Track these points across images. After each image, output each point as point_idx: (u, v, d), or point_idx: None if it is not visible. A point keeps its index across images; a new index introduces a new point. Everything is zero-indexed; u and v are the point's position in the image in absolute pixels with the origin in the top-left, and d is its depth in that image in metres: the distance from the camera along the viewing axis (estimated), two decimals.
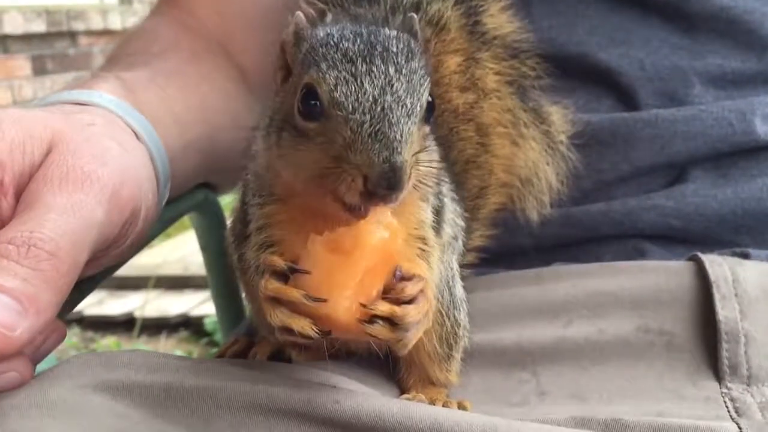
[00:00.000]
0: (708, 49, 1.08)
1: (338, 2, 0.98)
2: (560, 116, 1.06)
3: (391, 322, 0.68)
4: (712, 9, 1.07)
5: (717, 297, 0.92)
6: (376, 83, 0.67)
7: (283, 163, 0.73)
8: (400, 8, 0.96)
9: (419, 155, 0.69)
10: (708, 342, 0.91)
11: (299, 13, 0.77)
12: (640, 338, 0.92)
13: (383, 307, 0.68)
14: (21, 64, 5.18)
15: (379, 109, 0.66)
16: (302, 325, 0.67)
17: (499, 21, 1.04)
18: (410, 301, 0.69)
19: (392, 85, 0.68)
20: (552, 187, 1.06)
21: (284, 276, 0.70)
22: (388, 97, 0.67)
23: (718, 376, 0.89)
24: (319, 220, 0.70)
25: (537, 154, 1.05)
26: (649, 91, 1.07)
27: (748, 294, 0.92)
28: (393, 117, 0.66)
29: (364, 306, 0.67)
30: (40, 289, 0.65)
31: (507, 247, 1.08)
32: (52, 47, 5.42)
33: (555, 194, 1.06)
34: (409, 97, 0.68)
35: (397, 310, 0.68)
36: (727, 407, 0.85)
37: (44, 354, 0.73)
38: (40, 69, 5.31)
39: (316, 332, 0.67)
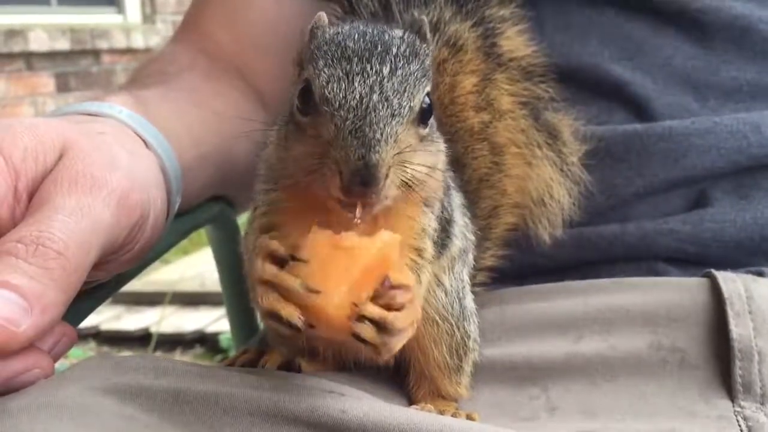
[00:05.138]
0: (722, 60, 1.07)
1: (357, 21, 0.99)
2: (572, 132, 1.06)
3: (379, 325, 0.68)
4: (726, 18, 1.07)
5: (730, 314, 0.91)
6: (366, 82, 0.69)
7: (285, 155, 0.75)
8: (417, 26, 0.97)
9: (408, 157, 0.70)
10: (721, 360, 0.90)
11: (322, 13, 0.79)
12: (652, 355, 0.92)
13: (375, 310, 0.68)
14: (45, 81, 5.26)
15: (363, 107, 0.68)
16: (290, 312, 0.68)
17: (515, 44, 1.05)
18: (399, 309, 0.70)
19: (382, 85, 0.69)
20: (564, 209, 1.05)
21: (281, 261, 0.70)
22: (375, 97, 0.68)
23: (731, 395, 0.88)
24: (321, 211, 0.71)
25: (550, 175, 1.05)
26: (663, 103, 1.07)
27: (762, 311, 0.91)
28: (375, 116, 0.67)
29: (355, 305, 0.67)
30: (46, 287, 0.66)
31: (519, 266, 1.08)
32: (76, 65, 5.50)
33: (568, 215, 1.06)
34: (398, 98, 0.69)
35: (389, 315, 0.68)
36: (740, 426, 0.84)
37: (56, 358, 0.74)
38: (63, 86, 5.39)
39: (302, 322, 0.67)
